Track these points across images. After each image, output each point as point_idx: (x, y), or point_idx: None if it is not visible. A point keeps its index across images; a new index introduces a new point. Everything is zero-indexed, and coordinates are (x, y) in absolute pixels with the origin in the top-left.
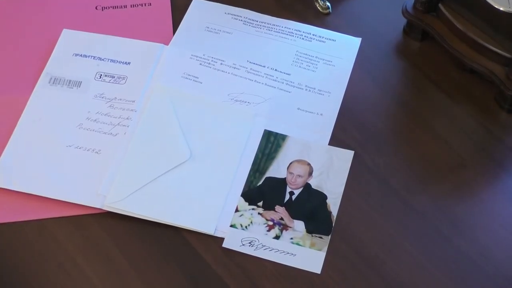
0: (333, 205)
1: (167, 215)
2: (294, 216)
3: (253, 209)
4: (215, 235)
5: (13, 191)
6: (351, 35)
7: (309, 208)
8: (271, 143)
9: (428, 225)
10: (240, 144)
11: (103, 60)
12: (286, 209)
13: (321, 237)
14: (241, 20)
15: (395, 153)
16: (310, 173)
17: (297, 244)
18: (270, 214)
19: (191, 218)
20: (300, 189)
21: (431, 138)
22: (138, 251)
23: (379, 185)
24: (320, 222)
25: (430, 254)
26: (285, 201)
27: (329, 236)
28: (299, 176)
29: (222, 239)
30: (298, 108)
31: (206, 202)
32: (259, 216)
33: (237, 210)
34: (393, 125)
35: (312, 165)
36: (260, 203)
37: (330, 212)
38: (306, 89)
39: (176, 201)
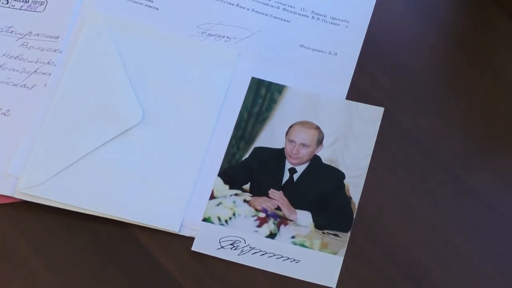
0: (354, 187)
1: (109, 206)
2: (297, 204)
3: (236, 194)
4: (181, 233)
5: None
6: None
7: (319, 193)
8: (261, 98)
9: (492, 214)
10: (216, 99)
11: None
12: (285, 194)
13: (336, 235)
14: None
15: (445, 111)
16: (320, 141)
17: (302, 245)
18: (261, 201)
19: (145, 209)
20: (305, 165)
21: (498, 89)
22: (67, 257)
23: (421, 158)
24: (335, 212)
25: (496, 256)
26: (284, 182)
27: (349, 233)
28: (304, 145)
29: (191, 239)
30: (301, 45)
31: (166, 186)
32: (245, 205)
33: (212, 197)
34: (442, 70)
35: (322, 129)
36: (247, 186)
37: (350, 198)
38: (312, 17)
39: (123, 184)
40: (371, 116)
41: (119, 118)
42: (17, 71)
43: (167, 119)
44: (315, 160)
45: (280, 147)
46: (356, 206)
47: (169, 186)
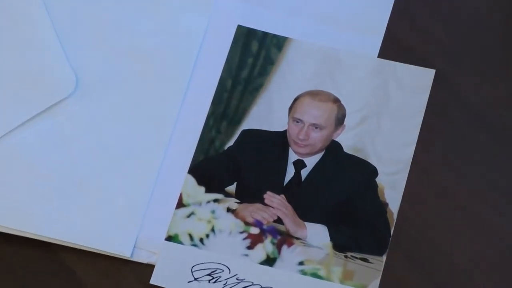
0: (391, 188)
1: (26, 219)
2: (307, 214)
3: (216, 200)
4: (134, 259)
5: None
6: None
7: (339, 197)
8: (253, 56)
9: None
10: (186, 59)
11: None
12: (289, 200)
13: (365, 260)
14: None
15: None
16: (340, 120)
17: (315, 275)
18: (253, 211)
19: (80, 224)
20: (319, 156)
21: None
22: None
23: (490, 142)
24: (363, 226)
25: None
26: (287, 182)
27: (384, 257)
28: (316, 126)
29: (149, 267)
30: None
31: (111, 190)
32: (230, 215)
33: (181, 205)
34: None
35: (343, 102)
36: (232, 188)
37: (385, 205)
38: None
39: (45, 188)
40: (416, 82)
41: (40, 88)
42: None
43: (112, 90)
44: (333, 149)
45: (281, 129)
46: (395, 216)
47: (115, 190)
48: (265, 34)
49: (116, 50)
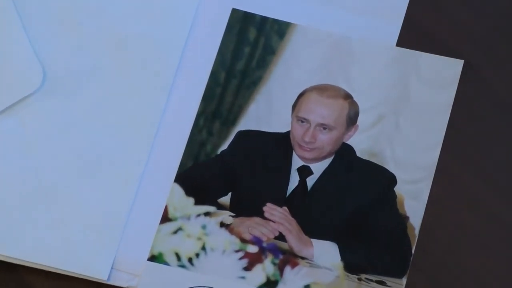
0: (413, 199)
1: None
2: (313, 229)
3: (206, 214)
4: (112, 282)
5: None
6: None
7: (351, 209)
8: (250, 44)
9: None
10: (173, 47)
11: None
12: (292, 212)
13: (382, 283)
14: None
15: None
16: (352, 120)
17: None
18: (251, 225)
19: (50, 243)
20: (327, 161)
21: None
22: None
23: None
24: (379, 243)
25: None
26: (289, 192)
27: (404, 280)
28: (323, 127)
29: None
30: None
31: (85, 202)
32: (224, 231)
33: (166, 219)
34: None
35: (356, 98)
36: (225, 199)
37: (406, 218)
38: None
39: (9, 200)
40: (441, 75)
41: (1, 82)
42: None
43: (85, 85)
44: (344, 153)
45: (283, 130)
46: (417, 232)
47: (89, 203)
48: (264, 18)
49: (90, 38)
